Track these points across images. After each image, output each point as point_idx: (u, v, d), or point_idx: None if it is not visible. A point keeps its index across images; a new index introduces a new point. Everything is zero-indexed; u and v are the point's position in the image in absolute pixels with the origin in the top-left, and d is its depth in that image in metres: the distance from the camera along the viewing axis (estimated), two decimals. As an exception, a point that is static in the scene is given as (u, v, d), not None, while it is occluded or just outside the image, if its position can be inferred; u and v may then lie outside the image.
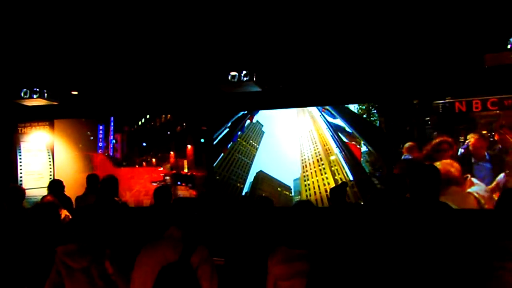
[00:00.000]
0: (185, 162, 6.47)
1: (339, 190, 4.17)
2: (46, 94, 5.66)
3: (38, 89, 5.58)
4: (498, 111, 5.07)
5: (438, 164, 5.09)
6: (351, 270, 2.31)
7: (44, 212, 3.29)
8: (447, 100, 5.32)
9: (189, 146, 6.47)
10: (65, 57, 4.82)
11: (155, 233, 2.50)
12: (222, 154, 6.36)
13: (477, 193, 5.03)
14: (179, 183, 6.49)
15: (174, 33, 4.18)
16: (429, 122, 5.39)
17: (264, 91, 5.47)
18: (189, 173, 6.47)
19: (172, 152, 6.58)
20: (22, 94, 5.56)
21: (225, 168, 6.34)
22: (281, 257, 2.40)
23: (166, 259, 2.28)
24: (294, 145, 6.13)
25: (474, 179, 5.09)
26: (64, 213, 4.11)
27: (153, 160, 6.68)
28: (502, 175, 5.01)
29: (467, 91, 5.20)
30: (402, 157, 5.43)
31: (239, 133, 6.38)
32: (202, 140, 6.40)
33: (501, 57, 4.23)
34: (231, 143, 6.38)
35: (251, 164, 6.28)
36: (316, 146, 6.01)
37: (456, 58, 4.79)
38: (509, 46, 4.01)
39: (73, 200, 5.06)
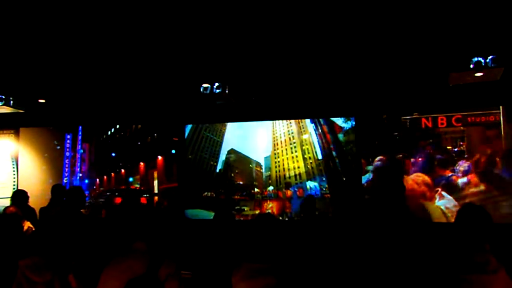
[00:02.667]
0: (155, 173, 6.39)
1: (307, 203, 4.28)
2: (11, 102, 5.53)
3: (3, 96, 5.44)
4: (462, 127, 5.27)
5: (406, 178, 5.22)
6: (319, 283, 2.33)
7: (5, 224, 3.19)
8: (414, 116, 5.49)
9: (159, 157, 6.39)
10: (32, 64, 4.71)
11: (121, 246, 2.45)
12: (189, 127, 6.30)
13: (445, 206, 5.15)
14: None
15: (146, 43, 4.16)
16: (397, 137, 5.53)
17: (236, 103, 5.49)
18: (142, 188, 6.40)
19: (142, 163, 6.49)
20: (-14, 101, 5.40)
21: (195, 147, 6.28)
22: (243, 273, 2.34)
23: (133, 273, 2.24)
24: (265, 122, 6.10)
25: (444, 193, 5.21)
26: (27, 224, 3.99)
27: (122, 171, 6.57)
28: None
29: (433, 108, 5.39)
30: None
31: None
32: (173, 151, 6.34)
33: (465, 76, 4.43)
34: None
35: (221, 142, 6.23)
36: (290, 123, 6.01)
37: (423, 76, 4.97)
38: (471, 66, 4.19)
39: (37, 211, 4.90)
